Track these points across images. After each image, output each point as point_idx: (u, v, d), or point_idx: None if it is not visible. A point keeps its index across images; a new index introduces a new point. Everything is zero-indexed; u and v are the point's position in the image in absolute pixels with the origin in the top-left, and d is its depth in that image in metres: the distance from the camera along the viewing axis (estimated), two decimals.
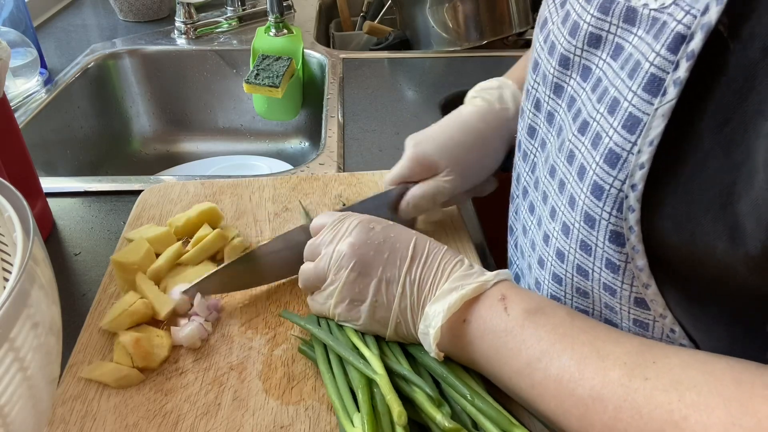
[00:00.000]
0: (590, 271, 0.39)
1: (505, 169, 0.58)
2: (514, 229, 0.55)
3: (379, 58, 1.11)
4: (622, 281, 0.37)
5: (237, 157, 1.14)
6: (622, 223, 0.35)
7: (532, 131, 0.48)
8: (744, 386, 0.28)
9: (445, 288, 0.41)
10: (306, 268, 0.47)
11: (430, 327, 0.40)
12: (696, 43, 0.29)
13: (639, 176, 0.33)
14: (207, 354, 0.48)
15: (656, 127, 0.31)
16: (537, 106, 0.46)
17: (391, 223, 0.46)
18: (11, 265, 0.32)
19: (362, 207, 0.56)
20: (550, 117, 0.44)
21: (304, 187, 0.68)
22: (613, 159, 0.34)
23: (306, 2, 1.37)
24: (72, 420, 0.43)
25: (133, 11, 1.26)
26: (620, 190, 0.34)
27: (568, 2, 0.41)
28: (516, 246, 0.55)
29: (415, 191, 0.56)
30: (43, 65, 1.01)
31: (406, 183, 0.57)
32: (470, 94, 0.60)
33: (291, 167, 1.01)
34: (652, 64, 0.31)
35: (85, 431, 0.42)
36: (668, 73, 0.31)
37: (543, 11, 0.47)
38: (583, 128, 0.37)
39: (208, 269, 0.55)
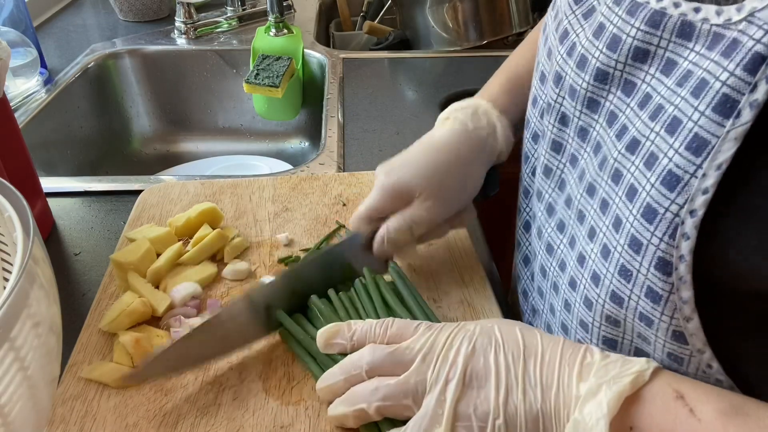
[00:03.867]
0: (626, 298, 0.36)
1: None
2: (523, 245, 0.53)
3: (379, 58, 1.11)
4: (662, 312, 0.35)
5: (237, 157, 1.14)
6: (673, 251, 0.33)
7: (557, 146, 0.45)
8: None
9: (589, 384, 0.35)
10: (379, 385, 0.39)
11: None
12: None
13: (701, 201, 0.31)
14: None
15: (726, 151, 0.29)
16: (563, 120, 0.43)
17: (480, 321, 0.40)
18: (11, 265, 0.32)
19: (333, 253, 0.51)
20: (583, 132, 0.41)
21: (304, 187, 0.68)
22: (672, 181, 0.32)
23: (306, 2, 1.37)
24: (72, 420, 0.43)
25: (133, 11, 1.26)
26: (676, 215, 0.32)
27: (599, 13, 0.39)
28: (526, 262, 0.52)
29: (390, 224, 0.50)
30: (43, 65, 1.01)
31: (379, 219, 0.51)
32: (442, 115, 0.55)
33: (291, 167, 1.01)
34: (724, 83, 0.29)
35: (85, 431, 0.42)
36: (743, 94, 0.29)
37: (558, 22, 0.44)
38: (633, 147, 0.35)
39: (208, 269, 0.55)
